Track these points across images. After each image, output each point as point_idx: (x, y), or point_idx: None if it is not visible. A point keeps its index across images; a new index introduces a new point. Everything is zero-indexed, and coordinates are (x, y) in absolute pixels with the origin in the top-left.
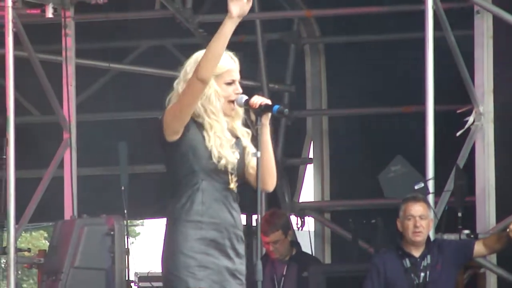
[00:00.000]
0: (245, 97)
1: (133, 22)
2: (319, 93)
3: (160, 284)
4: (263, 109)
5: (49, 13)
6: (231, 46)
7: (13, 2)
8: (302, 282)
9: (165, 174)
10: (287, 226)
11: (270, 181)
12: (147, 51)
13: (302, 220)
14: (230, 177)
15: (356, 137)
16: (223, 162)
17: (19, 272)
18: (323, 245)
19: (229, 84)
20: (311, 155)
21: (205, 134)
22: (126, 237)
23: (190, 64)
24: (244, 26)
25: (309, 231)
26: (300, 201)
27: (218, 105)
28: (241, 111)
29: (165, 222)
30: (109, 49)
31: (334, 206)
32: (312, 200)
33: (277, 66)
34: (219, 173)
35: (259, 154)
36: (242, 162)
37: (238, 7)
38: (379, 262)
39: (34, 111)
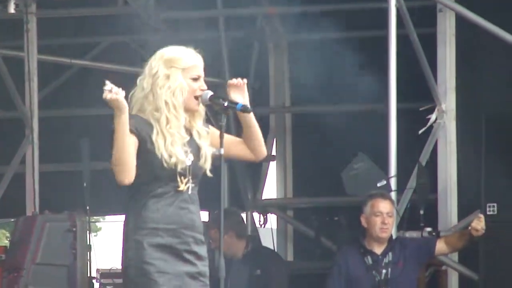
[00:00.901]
0: (210, 93)
1: (95, 18)
2: (282, 90)
3: (121, 280)
4: (228, 105)
5: (11, 9)
6: (194, 43)
7: None
8: (253, 281)
9: None
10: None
11: (263, 148)
12: (109, 47)
13: (265, 217)
14: (181, 179)
15: (318, 135)
16: (173, 160)
17: None
18: (286, 243)
19: (195, 79)
20: (274, 152)
21: (157, 137)
22: (88, 233)
23: (155, 60)
24: (208, 23)
25: (271, 229)
26: (263, 198)
27: (180, 100)
28: (202, 110)
29: (122, 230)
30: (71, 45)
31: (297, 203)
32: (275, 197)
33: (241, 63)
34: (173, 177)
35: (222, 151)
36: (196, 163)
37: (117, 100)
38: (341, 260)
39: None
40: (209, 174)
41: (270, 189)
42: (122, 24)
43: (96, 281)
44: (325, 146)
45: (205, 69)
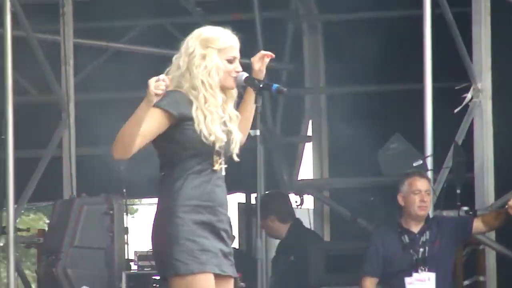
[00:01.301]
0: (245, 75)
1: (131, 1)
2: (317, 71)
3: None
4: (263, 87)
5: None
6: (229, 24)
7: None
8: (288, 266)
9: (159, 155)
10: (266, 212)
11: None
12: (145, 30)
13: (301, 198)
14: (217, 158)
15: (354, 115)
16: (212, 138)
17: (18, 253)
18: (322, 223)
19: (230, 61)
20: (309, 133)
21: (195, 114)
22: (125, 216)
23: (192, 39)
24: (242, 5)
25: (308, 209)
26: (299, 179)
27: (216, 80)
28: (235, 93)
29: (158, 205)
30: (107, 28)
31: (333, 183)
32: (311, 178)
33: (275, 44)
34: (210, 155)
35: (258, 132)
36: (228, 145)
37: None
38: (377, 239)
39: (32, 91)
40: (235, 158)
41: (306, 170)
42: (158, 7)
43: (134, 263)
44: (360, 127)
45: (240, 51)
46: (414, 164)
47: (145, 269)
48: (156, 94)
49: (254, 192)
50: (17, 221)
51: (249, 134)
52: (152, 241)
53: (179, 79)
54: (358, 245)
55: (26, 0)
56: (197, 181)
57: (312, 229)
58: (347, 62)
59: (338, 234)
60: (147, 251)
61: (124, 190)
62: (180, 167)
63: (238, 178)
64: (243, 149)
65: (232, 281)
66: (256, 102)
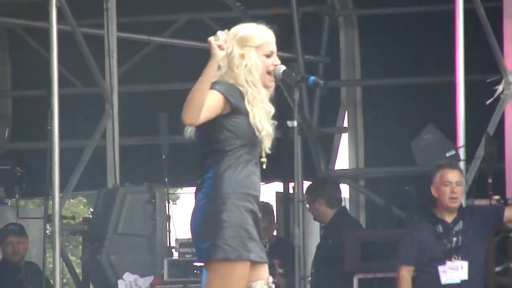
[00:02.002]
0: (283, 68)
1: None
2: (353, 64)
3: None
4: (300, 79)
5: None
6: (267, 19)
7: None
8: (326, 250)
9: (206, 142)
10: (314, 193)
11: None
12: (185, 25)
13: None
14: (264, 151)
15: (389, 107)
16: (263, 133)
17: (67, 242)
18: (358, 212)
19: (268, 56)
20: (345, 124)
21: (249, 107)
22: (167, 204)
23: (229, 41)
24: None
25: (344, 198)
26: (335, 168)
27: (257, 76)
28: (272, 88)
29: (207, 192)
30: (149, 23)
31: (368, 173)
32: (347, 167)
33: (312, 38)
34: (258, 148)
35: (295, 123)
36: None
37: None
38: (412, 228)
39: (77, 83)
40: (267, 151)
41: (342, 160)
42: (198, 2)
43: (175, 251)
44: (394, 118)
45: (277, 44)
46: (447, 155)
47: (186, 255)
48: (219, 47)
49: (292, 182)
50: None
51: (286, 125)
52: (198, 224)
53: (223, 77)
54: (392, 233)
55: None
56: (246, 171)
57: None
58: (382, 55)
59: (373, 222)
60: (188, 239)
61: (166, 179)
62: (230, 155)
63: (276, 167)
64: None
65: (266, 266)
66: (293, 94)
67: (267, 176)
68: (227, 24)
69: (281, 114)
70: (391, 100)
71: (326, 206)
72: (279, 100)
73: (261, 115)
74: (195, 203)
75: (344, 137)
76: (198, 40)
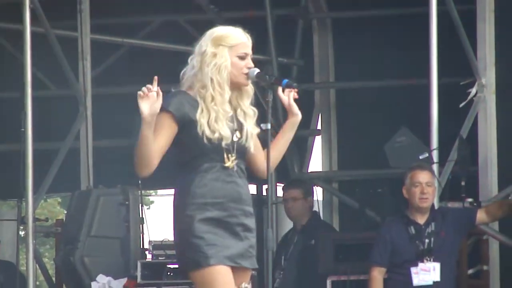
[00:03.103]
0: (256, 70)
1: None
2: (327, 66)
3: (174, 252)
4: (274, 82)
5: None
6: (241, 22)
7: None
8: (307, 250)
9: (170, 154)
10: (309, 191)
11: (274, 166)
12: (160, 27)
13: None
14: (227, 155)
15: (362, 109)
16: (216, 135)
17: (35, 241)
18: (332, 214)
19: (242, 58)
20: (319, 127)
21: (201, 115)
22: (140, 206)
23: (205, 39)
24: (254, 2)
25: (317, 200)
26: (309, 171)
27: (225, 76)
28: (251, 89)
29: (172, 204)
30: (123, 25)
31: (342, 176)
32: (321, 170)
33: (286, 41)
34: (219, 153)
35: (269, 126)
36: (241, 140)
37: (148, 106)
38: (385, 230)
39: (50, 86)
40: (252, 152)
41: (316, 163)
42: (173, 4)
43: (149, 253)
44: (368, 121)
45: (252, 48)
46: (420, 157)
47: (160, 258)
48: (145, 98)
49: (265, 184)
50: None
51: (260, 128)
52: (174, 242)
53: (192, 79)
54: (366, 235)
55: None
56: (205, 180)
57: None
58: (355, 57)
59: (346, 225)
60: (162, 241)
61: (140, 182)
62: (189, 166)
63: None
64: None
65: (249, 273)
66: (267, 97)
67: None
68: (202, 26)
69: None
70: (364, 102)
71: (311, 207)
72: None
73: (215, 117)
74: None
75: (318, 139)
76: (172, 42)
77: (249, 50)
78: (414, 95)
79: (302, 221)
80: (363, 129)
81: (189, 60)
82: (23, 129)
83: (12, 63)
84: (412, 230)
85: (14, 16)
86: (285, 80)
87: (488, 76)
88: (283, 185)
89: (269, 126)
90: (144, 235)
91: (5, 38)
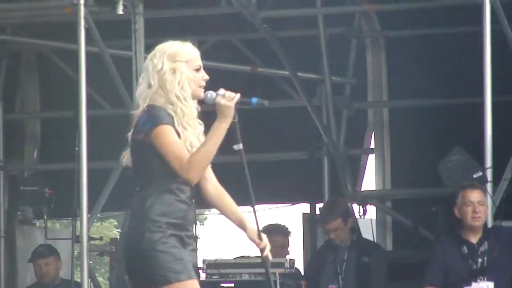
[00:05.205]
0: (214, 94)
1: (200, 18)
2: (380, 85)
3: (228, 271)
4: (240, 104)
5: (120, 10)
6: (295, 40)
7: (85, 0)
8: (362, 267)
9: (136, 169)
10: (347, 214)
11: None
12: (213, 46)
13: (364, 208)
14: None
15: (415, 128)
16: (194, 149)
17: (91, 262)
18: (385, 233)
19: (198, 70)
20: (372, 145)
21: (180, 129)
22: (194, 224)
23: (156, 57)
24: (307, 21)
25: (371, 219)
26: (362, 189)
27: (189, 92)
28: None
29: (138, 214)
30: None
31: (395, 194)
32: (374, 188)
33: (339, 59)
34: None
35: (241, 146)
36: None
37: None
38: (438, 249)
39: (105, 105)
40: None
41: (369, 181)
42: (226, 23)
43: (202, 271)
44: (421, 139)
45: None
46: (474, 176)
47: (213, 277)
48: (229, 107)
49: (318, 202)
50: (90, 230)
51: (313, 147)
52: (129, 258)
53: (154, 96)
54: (419, 254)
55: (99, 17)
56: (171, 199)
57: (375, 238)
58: (408, 76)
59: (400, 243)
60: (215, 260)
61: (193, 200)
62: (155, 183)
63: (302, 188)
64: (308, 161)
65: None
66: (234, 117)
67: (294, 197)
68: (255, 45)
69: (308, 136)
70: (418, 121)
71: (353, 226)
72: (306, 122)
73: (191, 132)
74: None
75: (371, 158)
76: (225, 61)
77: (201, 63)
78: (467, 113)
79: (348, 241)
80: (416, 147)
81: (140, 79)
82: (77, 149)
83: (67, 83)
84: (465, 249)
85: (69, 36)
86: (255, 99)
87: None
88: (319, 214)
89: (240, 146)
90: (198, 253)
91: (60, 58)
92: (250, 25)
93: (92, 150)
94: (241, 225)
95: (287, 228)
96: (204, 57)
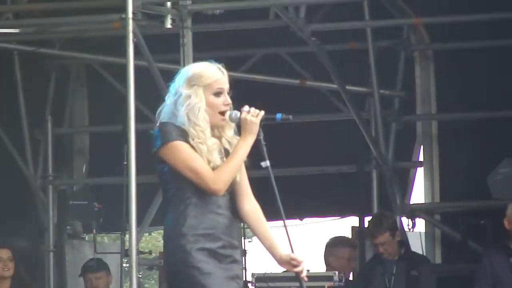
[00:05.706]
0: (238, 113)
1: (248, 32)
2: (429, 98)
3: (276, 284)
4: (264, 120)
5: (168, 24)
6: (343, 54)
7: (133, 14)
8: (411, 280)
9: (161, 186)
10: (394, 227)
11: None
12: (261, 60)
13: (413, 221)
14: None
15: (464, 141)
16: (211, 165)
17: (140, 275)
18: (434, 246)
19: (218, 94)
20: (421, 158)
21: (194, 144)
22: (242, 239)
23: (179, 79)
24: (356, 34)
25: (419, 232)
26: (411, 202)
27: (201, 116)
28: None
29: (164, 231)
30: (225, 58)
31: (444, 207)
32: (423, 201)
33: (388, 72)
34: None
35: (268, 163)
36: None
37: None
38: (486, 262)
39: (153, 118)
40: (238, 180)
41: (418, 194)
42: (274, 37)
43: (251, 285)
44: (470, 152)
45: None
46: None
47: None
48: (255, 124)
49: (367, 215)
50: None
51: (362, 160)
52: (165, 273)
53: (170, 116)
54: (468, 267)
55: (148, 30)
56: (197, 211)
57: (424, 251)
58: (457, 89)
59: (449, 256)
60: (264, 273)
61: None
62: (180, 197)
63: (351, 202)
64: (357, 174)
65: None
66: (258, 135)
67: (342, 211)
68: (303, 59)
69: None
70: (467, 134)
71: (394, 238)
72: (355, 135)
73: (205, 149)
74: None
75: (420, 171)
76: (274, 75)
77: (225, 85)
78: None
79: (395, 255)
80: (465, 160)
81: (166, 98)
82: (126, 162)
83: (115, 96)
84: None
85: (118, 50)
86: (279, 115)
87: None
88: (368, 228)
89: (268, 163)
90: (247, 267)
91: (109, 72)
92: (299, 38)
93: (141, 163)
94: (272, 252)
95: (354, 240)
96: (252, 70)
